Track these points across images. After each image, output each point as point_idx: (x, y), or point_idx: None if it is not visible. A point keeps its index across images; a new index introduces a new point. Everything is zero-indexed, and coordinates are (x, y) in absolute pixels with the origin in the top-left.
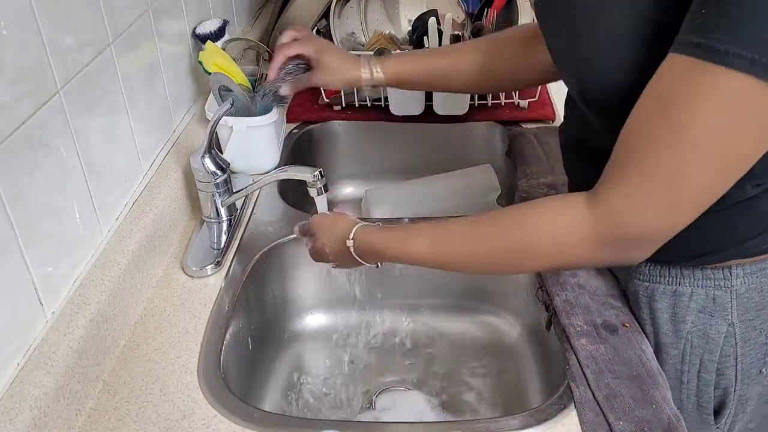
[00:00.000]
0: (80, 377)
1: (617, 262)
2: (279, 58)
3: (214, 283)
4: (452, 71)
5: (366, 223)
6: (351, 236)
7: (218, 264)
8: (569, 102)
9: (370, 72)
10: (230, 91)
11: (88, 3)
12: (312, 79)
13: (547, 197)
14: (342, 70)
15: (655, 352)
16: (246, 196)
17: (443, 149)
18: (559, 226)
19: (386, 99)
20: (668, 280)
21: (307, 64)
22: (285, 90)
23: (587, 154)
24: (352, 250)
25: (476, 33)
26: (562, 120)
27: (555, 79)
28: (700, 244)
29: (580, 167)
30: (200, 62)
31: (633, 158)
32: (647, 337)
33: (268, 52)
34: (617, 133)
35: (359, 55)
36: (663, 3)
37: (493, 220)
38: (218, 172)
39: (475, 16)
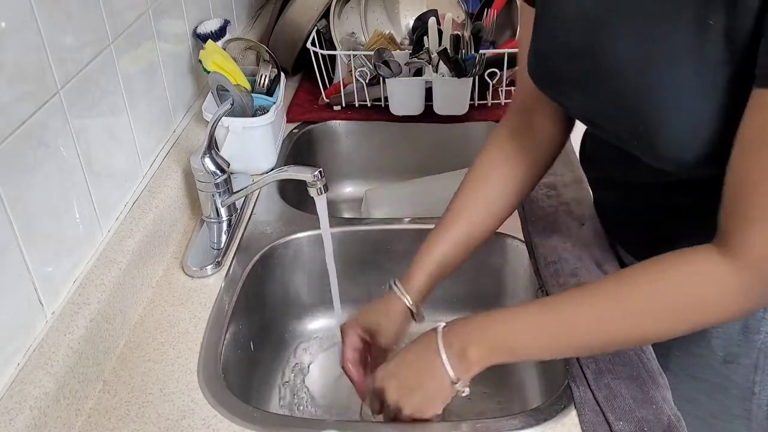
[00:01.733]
0: (80, 377)
1: (759, 307)
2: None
3: (214, 283)
4: (465, 248)
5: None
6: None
7: (218, 264)
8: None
9: (409, 307)
10: (227, 90)
11: (88, 3)
12: (378, 351)
13: (672, 253)
14: (388, 324)
15: (723, 362)
16: (246, 196)
17: (443, 149)
18: (697, 279)
19: (386, 99)
20: None
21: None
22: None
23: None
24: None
25: (476, 33)
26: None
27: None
28: None
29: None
30: (200, 61)
31: (754, 204)
32: (714, 350)
33: (268, 52)
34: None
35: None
36: (736, 43)
37: (617, 280)
38: (218, 172)
39: (475, 16)
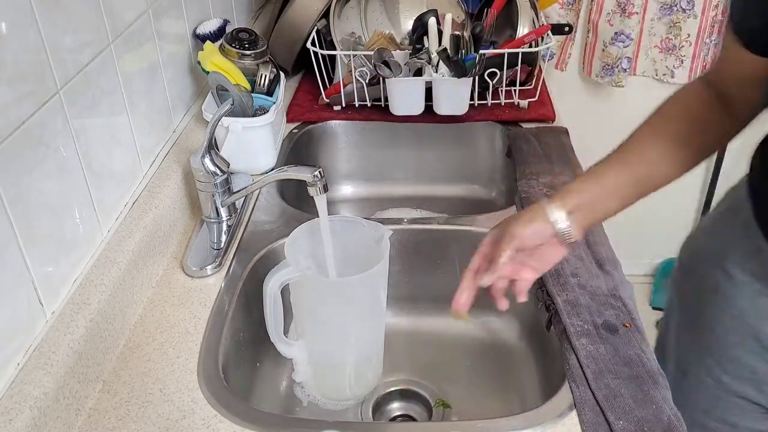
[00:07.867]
0: (80, 377)
1: None
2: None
3: (214, 283)
4: (646, 182)
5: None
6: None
7: (218, 264)
8: None
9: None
10: (227, 90)
11: (88, 3)
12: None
13: None
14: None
15: None
16: (246, 196)
17: (443, 149)
18: None
19: (386, 99)
20: None
21: None
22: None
23: None
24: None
25: (476, 33)
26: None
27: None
28: None
29: None
30: (199, 62)
31: None
32: None
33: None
34: None
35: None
36: None
37: None
38: (218, 172)
39: (475, 16)
